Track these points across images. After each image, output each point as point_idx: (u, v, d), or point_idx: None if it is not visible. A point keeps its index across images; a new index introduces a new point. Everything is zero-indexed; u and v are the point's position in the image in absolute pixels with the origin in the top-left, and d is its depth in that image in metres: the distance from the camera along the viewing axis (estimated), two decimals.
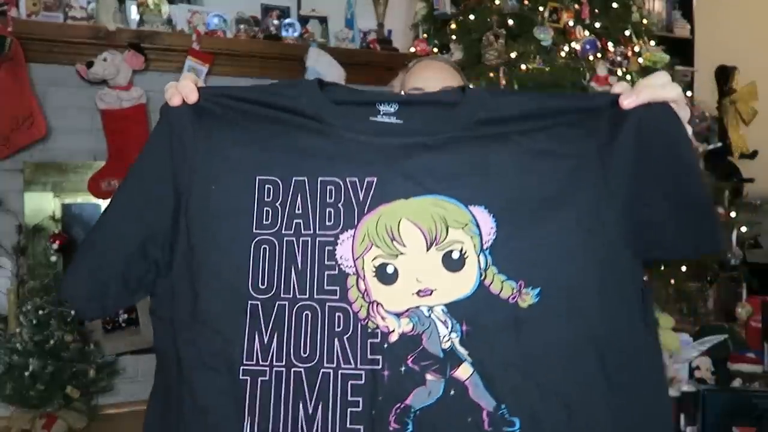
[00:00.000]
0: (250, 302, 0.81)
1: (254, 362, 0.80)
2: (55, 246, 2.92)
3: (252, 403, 0.79)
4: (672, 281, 2.75)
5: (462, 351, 0.79)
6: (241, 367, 0.80)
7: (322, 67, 3.31)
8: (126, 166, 3.15)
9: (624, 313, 0.81)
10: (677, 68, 3.32)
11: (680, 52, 4.24)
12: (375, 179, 0.83)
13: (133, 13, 3.17)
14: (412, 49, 3.15)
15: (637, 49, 2.82)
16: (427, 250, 0.81)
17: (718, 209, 2.98)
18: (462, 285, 0.80)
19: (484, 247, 0.81)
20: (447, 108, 0.87)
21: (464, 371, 0.79)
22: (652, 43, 2.97)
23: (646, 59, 2.81)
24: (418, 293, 0.81)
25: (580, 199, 0.81)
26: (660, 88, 0.83)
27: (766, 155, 4.63)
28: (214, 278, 0.82)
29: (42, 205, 3.12)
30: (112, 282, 0.85)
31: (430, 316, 0.80)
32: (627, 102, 0.83)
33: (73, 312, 0.80)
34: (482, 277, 0.80)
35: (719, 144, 4.32)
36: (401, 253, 0.81)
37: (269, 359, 0.80)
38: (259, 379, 0.80)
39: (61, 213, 3.17)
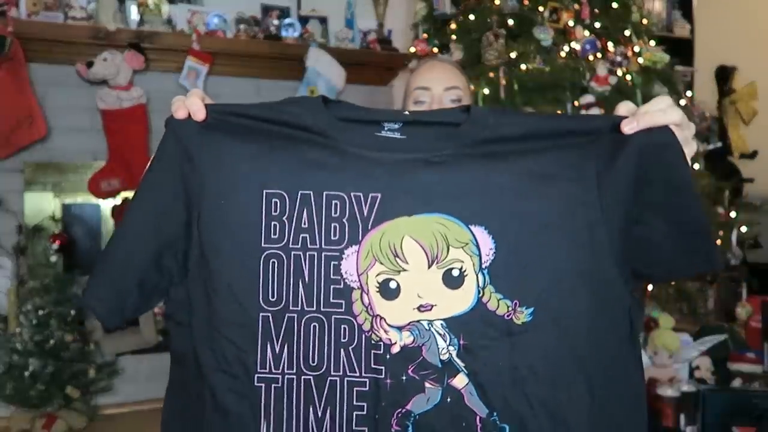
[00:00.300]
0: (261, 314, 0.85)
1: (267, 370, 0.85)
2: (55, 246, 2.92)
3: (267, 408, 0.85)
4: (672, 281, 2.76)
5: (459, 362, 0.84)
6: (256, 375, 0.85)
7: (322, 67, 3.32)
8: (126, 166, 3.16)
9: (611, 333, 0.85)
10: (677, 68, 3.32)
11: (680, 52, 4.24)
12: (379, 195, 0.85)
13: (133, 13, 3.17)
14: (412, 49, 3.15)
15: (637, 49, 2.82)
16: (429, 267, 0.85)
17: (718, 209, 2.99)
18: (461, 301, 0.84)
19: (483, 266, 0.84)
20: (450, 127, 0.90)
21: (460, 381, 0.84)
22: (652, 43, 2.97)
23: (646, 59, 2.81)
24: (419, 308, 0.85)
25: (576, 224, 0.84)
26: (661, 113, 0.84)
27: (766, 155, 4.63)
28: (227, 290, 0.86)
29: (42, 205, 3.13)
30: (131, 291, 0.89)
31: (429, 329, 0.85)
32: (627, 128, 0.85)
33: (100, 322, 0.86)
34: (480, 295, 0.84)
35: (719, 144, 4.33)
36: (404, 270, 0.85)
37: (281, 367, 0.85)
38: (273, 385, 0.85)
39: (61, 213, 3.18)
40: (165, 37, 3.14)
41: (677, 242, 0.84)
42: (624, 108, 0.87)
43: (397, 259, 0.85)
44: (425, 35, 3.17)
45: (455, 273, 0.84)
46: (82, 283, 2.93)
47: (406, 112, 0.93)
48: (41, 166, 3.10)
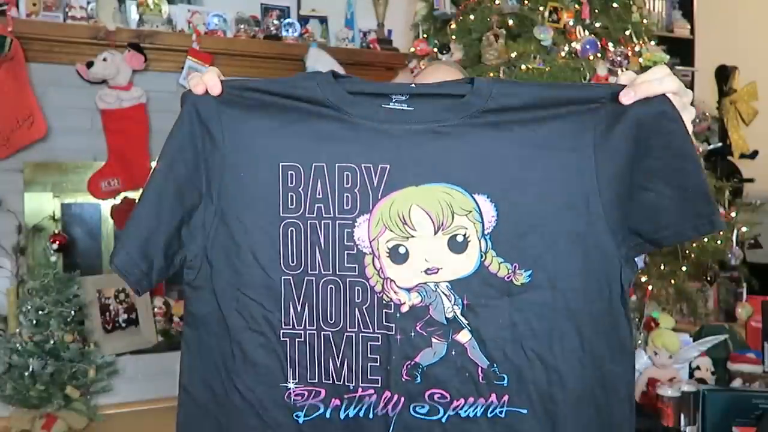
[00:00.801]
0: (282, 277, 0.94)
1: (291, 327, 0.94)
2: (55, 246, 2.92)
3: (292, 358, 0.95)
4: (672, 281, 2.75)
5: (462, 320, 0.92)
6: (281, 330, 0.94)
7: (323, 67, 3.31)
8: (126, 166, 3.15)
9: (602, 293, 0.92)
10: (677, 68, 3.31)
11: (680, 52, 4.24)
12: (388, 166, 0.92)
13: (133, 13, 3.17)
14: (412, 49, 3.14)
15: (637, 49, 2.82)
16: (435, 233, 0.92)
17: (719, 209, 2.98)
18: (465, 265, 0.92)
19: (485, 232, 0.91)
20: (456, 98, 0.94)
21: (464, 336, 0.92)
22: (652, 43, 2.97)
23: (646, 59, 2.81)
24: (426, 271, 0.92)
25: (573, 192, 0.91)
26: (657, 82, 0.88)
27: (766, 155, 4.63)
28: (251, 257, 0.94)
29: (42, 205, 3.12)
30: (157, 257, 0.95)
31: (436, 290, 0.92)
32: (625, 99, 0.89)
33: (131, 287, 0.95)
34: (483, 259, 0.91)
35: (719, 144, 4.32)
36: (411, 236, 0.92)
37: (303, 324, 0.94)
38: (296, 340, 0.94)
39: (60, 213, 3.18)
40: (165, 37, 3.14)
41: (681, 207, 0.89)
42: (624, 77, 0.91)
43: (406, 226, 0.92)
44: (425, 35, 3.16)
45: (459, 239, 0.91)
46: (82, 284, 2.92)
47: (413, 85, 0.97)
48: (41, 166, 3.10)
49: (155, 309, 3.24)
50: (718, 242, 2.81)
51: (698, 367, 2.37)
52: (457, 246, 0.92)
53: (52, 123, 3.00)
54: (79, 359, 2.73)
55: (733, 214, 3.01)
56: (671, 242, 0.94)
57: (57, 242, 2.95)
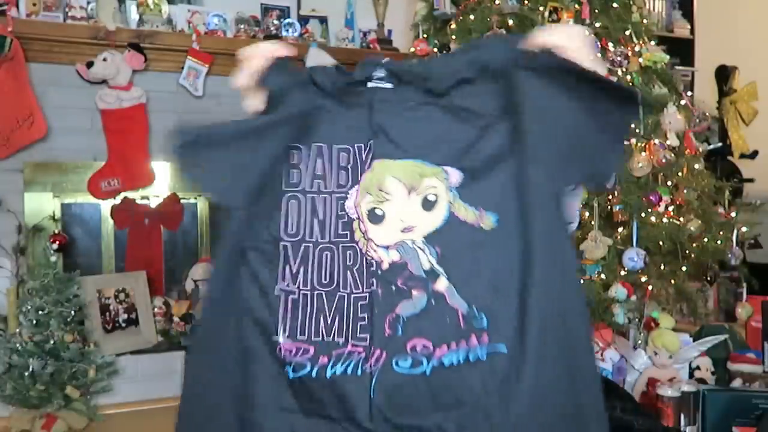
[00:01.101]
0: (281, 243, 1.05)
1: (285, 284, 1.04)
2: (55, 246, 2.92)
3: (284, 314, 1.03)
4: (672, 281, 2.75)
5: (439, 268, 1.00)
6: (276, 286, 1.04)
7: None
8: (126, 166, 3.12)
9: (550, 225, 1.01)
10: (677, 68, 3.31)
11: (680, 52, 4.24)
12: (372, 143, 1.05)
13: (133, 13, 3.17)
14: (412, 49, 3.15)
15: (637, 49, 2.82)
16: (408, 195, 1.03)
17: (718, 209, 2.98)
18: (436, 219, 1.02)
19: (452, 186, 1.02)
20: (419, 76, 1.06)
21: (441, 284, 1.00)
22: (652, 43, 2.96)
23: (646, 59, 2.81)
24: (402, 230, 1.02)
25: (503, 146, 1.02)
26: (547, 35, 1.05)
27: (766, 155, 4.63)
28: (256, 223, 1.05)
29: (42, 205, 3.12)
30: None
31: (413, 246, 1.02)
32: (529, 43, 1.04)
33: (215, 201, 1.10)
34: (451, 208, 1.02)
35: (719, 144, 4.32)
36: (387, 200, 1.03)
37: (297, 284, 1.04)
38: (290, 297, 1.04)
39: (60, 213, 3.17)
40: (165, 37, 3.13)
41: (599, 115, 1.02)
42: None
43: (381, 192, 1.03)
44: (425, 35, 3.16)
45: (431, 198, 1.02)
46: (82, 284, 2.92)
47: (385, 60, 1.09)
48: (41, 166, 3.10)
49: (155, 309, 3.24)
50: (718, 242, 2.81)
51: (698, 367, 2.38)
52: (428, 205, 1.02)
53: (52, 123, 3.00)
54: (79, 359, 2.73)
55: (733, 214, 3.00)
56: (614, 168, 1.06)
57: (57, 242, 2.95)
